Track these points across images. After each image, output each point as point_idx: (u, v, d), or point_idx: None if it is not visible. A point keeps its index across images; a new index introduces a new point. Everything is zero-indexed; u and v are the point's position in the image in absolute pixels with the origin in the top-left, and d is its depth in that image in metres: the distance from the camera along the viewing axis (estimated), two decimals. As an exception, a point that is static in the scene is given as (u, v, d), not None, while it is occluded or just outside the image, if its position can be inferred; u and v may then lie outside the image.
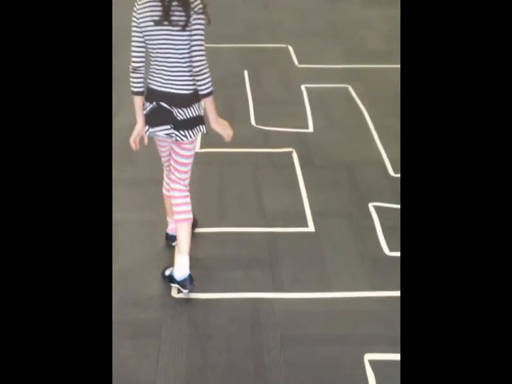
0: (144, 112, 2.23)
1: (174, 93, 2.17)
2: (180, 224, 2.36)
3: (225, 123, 2.30)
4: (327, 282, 2.48)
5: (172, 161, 2.35)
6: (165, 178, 2.50)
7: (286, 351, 2.13)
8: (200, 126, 2.25)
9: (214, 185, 3.15)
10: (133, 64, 2.17)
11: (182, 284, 2.36)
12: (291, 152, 3.48)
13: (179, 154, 2.30)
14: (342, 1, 6.58)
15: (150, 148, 2.48)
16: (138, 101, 2.22)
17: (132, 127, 2.29)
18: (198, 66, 2.10)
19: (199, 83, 2.13)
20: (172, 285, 2.42)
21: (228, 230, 2.79)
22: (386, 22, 5.83)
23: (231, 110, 4.03)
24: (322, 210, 2.94)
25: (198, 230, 2.78)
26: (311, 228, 2.82)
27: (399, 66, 4.72)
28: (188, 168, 2.37)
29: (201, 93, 2.15)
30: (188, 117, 2.19)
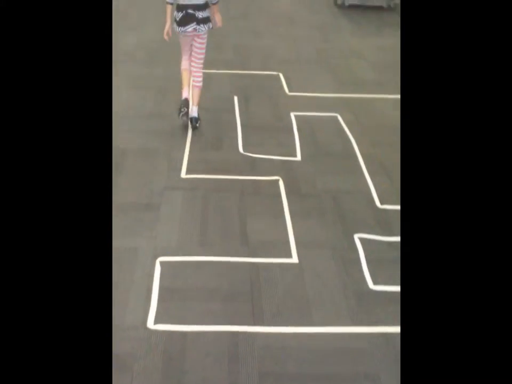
0: (178, 18, 3.76)
1: (196, 4, 3.74)
2: (197, 88, 4.00)
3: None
4: (308, 316, 2.40)
5: (194, 50, 3.91)
6: (184, 62, 3.98)
7: (263, 388, 2.05)
8: (210, 23, 3.84)
9: (198, 212, 3.09)
10: None
11: (191, 119, 3.98)
12: (277, 180, 3.43)
13: (199, 42, 3.88)
14: (331, 30, 6.65)
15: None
16: (170, 9, 3.79)
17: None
18: None
19: None
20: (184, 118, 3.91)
21: (209, 259, 2.72)
22: (376, 51, 5.88)
23: (219, 135, 3.99)
24: (307, 241, 2.88)
25: (177, 258, 2.70)
26: (294, 258, 2.75)
27: (387, 96, 4.75)
28: (204, 51, 3.95)
29: (213, 2, 3.82)
30: (204, 16, 3.79)
